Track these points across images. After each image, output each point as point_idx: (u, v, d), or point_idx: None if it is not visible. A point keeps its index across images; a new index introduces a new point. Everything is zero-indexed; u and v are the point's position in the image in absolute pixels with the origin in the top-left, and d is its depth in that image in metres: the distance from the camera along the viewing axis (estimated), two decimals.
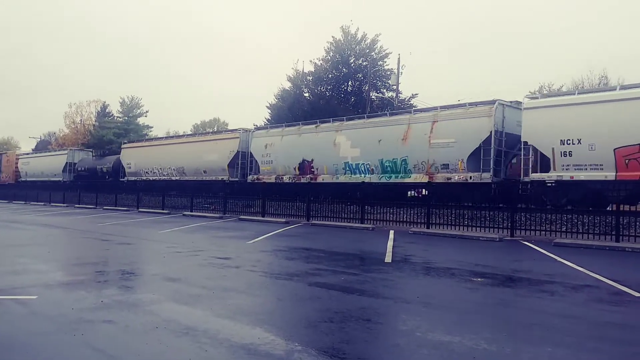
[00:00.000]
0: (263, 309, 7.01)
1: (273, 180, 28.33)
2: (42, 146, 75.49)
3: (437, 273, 10.00)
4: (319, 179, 26.06)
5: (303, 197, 22.97)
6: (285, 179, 27.99)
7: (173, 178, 35.08)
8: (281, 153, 28.40)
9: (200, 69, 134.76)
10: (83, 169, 44.89)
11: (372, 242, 15.28)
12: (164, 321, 6.01)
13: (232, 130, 34.83)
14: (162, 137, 46.79)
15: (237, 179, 30.77)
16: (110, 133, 67.69)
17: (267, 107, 45.95)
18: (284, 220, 21.98)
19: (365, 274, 9.84)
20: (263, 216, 23.52)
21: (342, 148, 25.18)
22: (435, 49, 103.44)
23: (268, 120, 44.06)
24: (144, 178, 37.84)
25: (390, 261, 11.19)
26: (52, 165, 49.14)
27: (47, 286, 8.02)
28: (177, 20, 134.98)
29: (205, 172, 32.74)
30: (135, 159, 39.15)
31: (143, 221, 22.72)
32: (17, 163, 55.54)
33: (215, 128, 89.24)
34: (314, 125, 27.69)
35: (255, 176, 29.92)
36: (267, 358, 4.78)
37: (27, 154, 59.42)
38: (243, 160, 30.99)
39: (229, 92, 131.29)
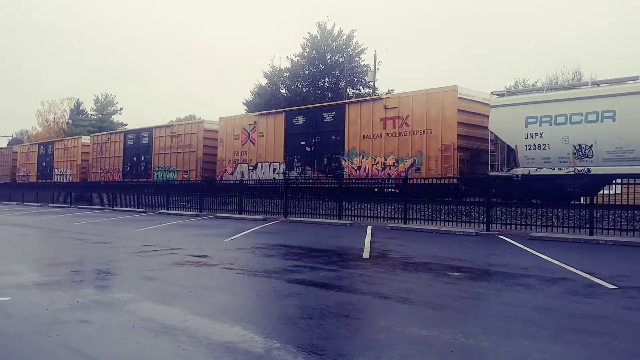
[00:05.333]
0: (241, 307, 6.98)
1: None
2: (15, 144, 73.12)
3: (414, 268, 10.06)
4: None
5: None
6: None
7: None
8: None
9: (176, 66, 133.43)
10: None
11: (350, 238, 15.31)
12: (141, 320, 5.94)
13: None
14: None
15: None
16: (85, 131, 66.76)
17: (243, 103, 45.81)
18: (261, 217, 21.92)
19: (344, 270, 9.85)
20: (240, 213, 23.40)
21: None
22: (410, 44, 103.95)
23: None
24: None
25: (368, 257, 11.22)
26: None
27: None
28: (151, 18, 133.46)
29: None
30: None
31: (121, 219, 22.44)
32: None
33: None
34: None
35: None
36: (246, 356, 4.76)
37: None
38: None
39: (205, 88, 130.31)
